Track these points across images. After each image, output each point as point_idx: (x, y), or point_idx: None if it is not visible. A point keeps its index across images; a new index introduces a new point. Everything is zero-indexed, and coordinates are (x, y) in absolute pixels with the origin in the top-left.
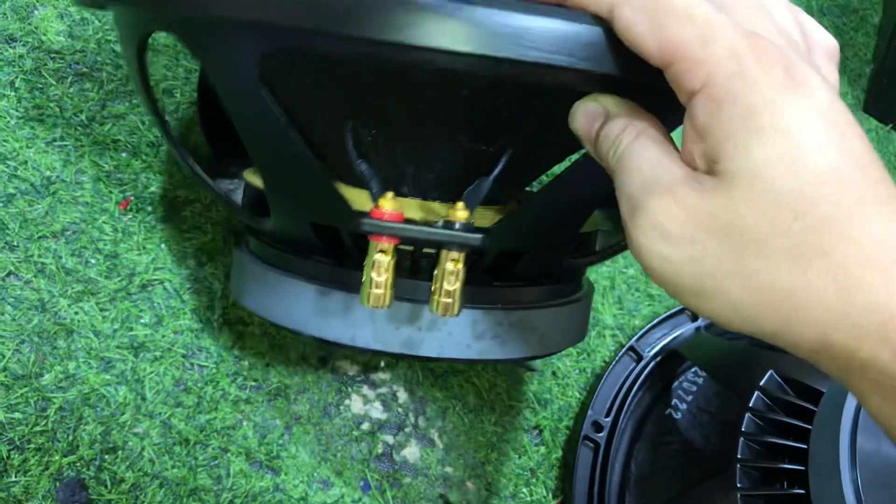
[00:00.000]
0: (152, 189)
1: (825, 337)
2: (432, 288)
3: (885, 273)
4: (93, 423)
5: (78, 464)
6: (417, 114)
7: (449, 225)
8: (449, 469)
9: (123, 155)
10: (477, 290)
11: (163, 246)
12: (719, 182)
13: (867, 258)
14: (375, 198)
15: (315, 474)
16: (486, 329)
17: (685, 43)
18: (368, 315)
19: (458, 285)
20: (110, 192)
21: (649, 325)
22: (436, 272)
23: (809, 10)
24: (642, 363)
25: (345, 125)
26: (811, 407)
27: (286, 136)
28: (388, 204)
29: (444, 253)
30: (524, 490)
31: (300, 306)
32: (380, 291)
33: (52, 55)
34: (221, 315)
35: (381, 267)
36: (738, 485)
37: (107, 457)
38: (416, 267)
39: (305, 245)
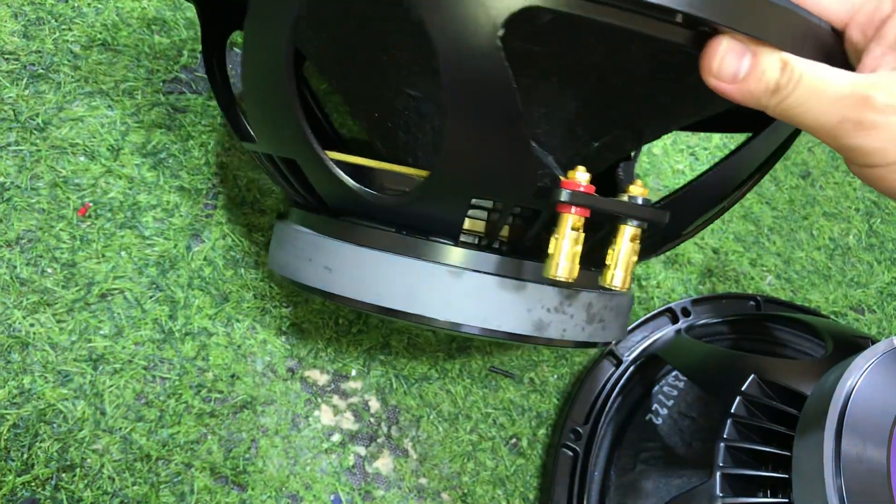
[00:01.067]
0: (112, 194)
1: None
2: (607, 262)
3: None
4: (49, 440)
5: (33, 483)
6: (592, 93)
7: (633, 199)
8: (423, 480)
9: (82, 159)
10: (589, 273)
11: (123, 254)
12: None
13: None
14: (558, 172)
15: (284, 489)
16: (596, 312)
17: None
18: (503, 298)
19: (634, 258)
20: (68, 198)
21: (628, 328)
22: (612, 247)
23: None
24: (621, 368)
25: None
26: (794, 412)
27: (513, 99)
28: (584, 175)
29: (621, 227)
30: (502, 501)
31: (433, 292)
32: (568, 264)
33: (6, 56)
34: (184, 325)
35: (574, 238)
36: (720, 493)
37: (64, 475)
38: (542, 249)
39: (431, 225)
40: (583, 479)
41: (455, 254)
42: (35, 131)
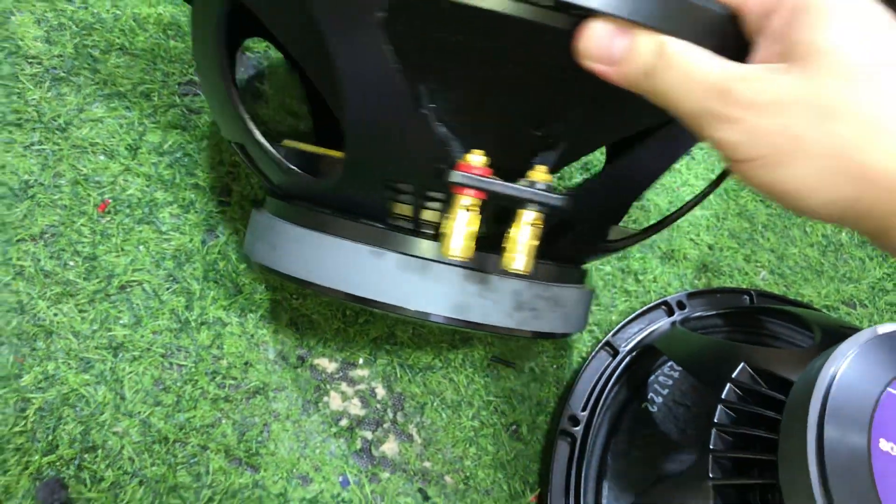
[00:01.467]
0: (130, 191)
1: None
2: (505, 245)
3: None
4: (72, 423)
5: (58, 463)
6: (500, 81)
7: (532, 185)
8: (427, 464)
9: (101, 158)
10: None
11: (141, 247)
12: (799, 62)
13: None
14: (458, 155)
15: (294, 470)
16: (526, 300)
17: None
18: (421, 279)
19: (534, 242)
20: (88, 194)
21: (625, 321)
22: (511, 229)
23: None
24: (618, 358)
25: (422, 87)
26: (781, 397)
27: (396, 80)
28: (479, 159)
29: (519, 211)
30: (503, 484)
31: (353, 269)
32: (463, 243)
33: (30, 60)
34: (200, 315)
35: (466, 219)
36: (711, 475)
37: (86, 456)
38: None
39: (359, 208)
40: (580, 463)
41: (378, 235)
42: (57, 131)
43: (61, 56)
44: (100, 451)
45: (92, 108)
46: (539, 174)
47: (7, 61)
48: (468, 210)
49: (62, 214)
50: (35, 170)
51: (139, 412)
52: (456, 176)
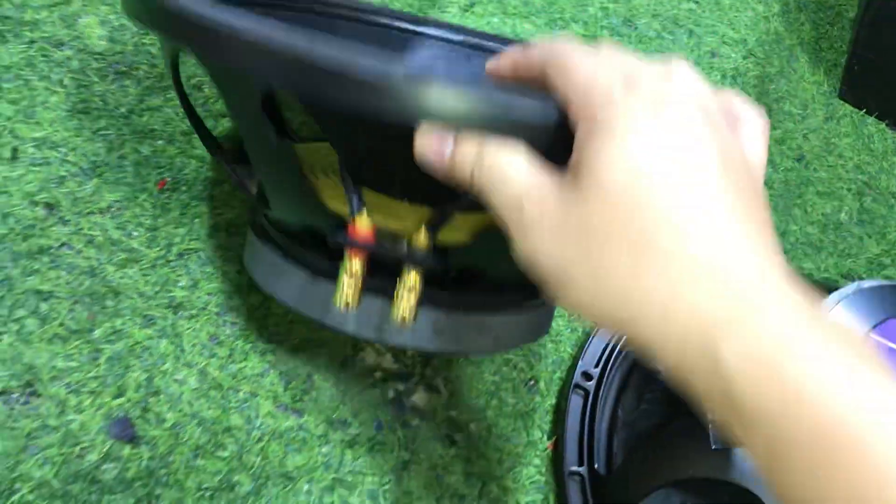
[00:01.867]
0: (186, 171)
1: (660, 337)
2: (395, 295)
3: (709, 278)
4: (138, 371)
5: (126, 405)
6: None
7: (410, 247)
8: (453, 413)
9: (160, 142)
10: (441, 294)
11: (196, 220)
12: (576, 184)
13: (694, 263)
14: (353, 214)
15: (334, 416)
16: (445, 328)
17: (578, 85)
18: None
19: (413, 301)
20: (149, 174)
21: None
22: (398, 287)
23: (787, 7)
24: None
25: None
26: None
27: (282, 158)
28: (362, 224)
29: (405, 269)
30: (521, 432)
31: (293, 287)
32: (349, 293)
33: (96, 56)
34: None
35: (352, 274)
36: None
37: (151, 399)
38: (394, 268)
39: (300, 237)
40: (593, 414)
41: (317, 263)
42: (121, 118)
43: (122, 53)
44: (162, 395)
45: (150, 98)
46: (419, 238)
47: (76, 57)
48: (356, 267)
49: (126, 191)
50: (102, 152)
51: (197, 363)
52: (339, 236)
